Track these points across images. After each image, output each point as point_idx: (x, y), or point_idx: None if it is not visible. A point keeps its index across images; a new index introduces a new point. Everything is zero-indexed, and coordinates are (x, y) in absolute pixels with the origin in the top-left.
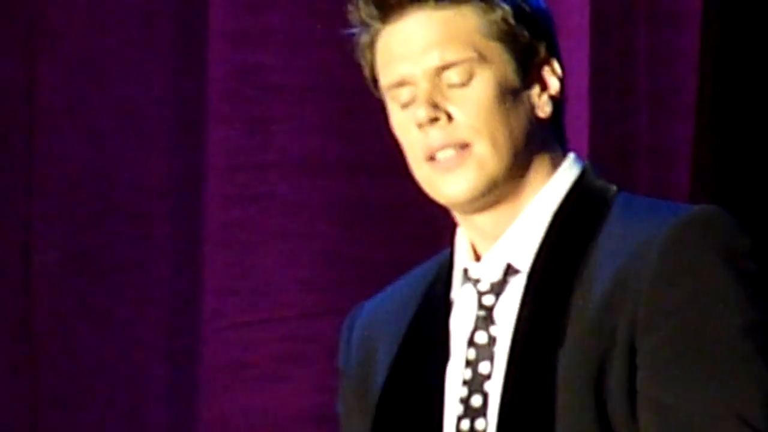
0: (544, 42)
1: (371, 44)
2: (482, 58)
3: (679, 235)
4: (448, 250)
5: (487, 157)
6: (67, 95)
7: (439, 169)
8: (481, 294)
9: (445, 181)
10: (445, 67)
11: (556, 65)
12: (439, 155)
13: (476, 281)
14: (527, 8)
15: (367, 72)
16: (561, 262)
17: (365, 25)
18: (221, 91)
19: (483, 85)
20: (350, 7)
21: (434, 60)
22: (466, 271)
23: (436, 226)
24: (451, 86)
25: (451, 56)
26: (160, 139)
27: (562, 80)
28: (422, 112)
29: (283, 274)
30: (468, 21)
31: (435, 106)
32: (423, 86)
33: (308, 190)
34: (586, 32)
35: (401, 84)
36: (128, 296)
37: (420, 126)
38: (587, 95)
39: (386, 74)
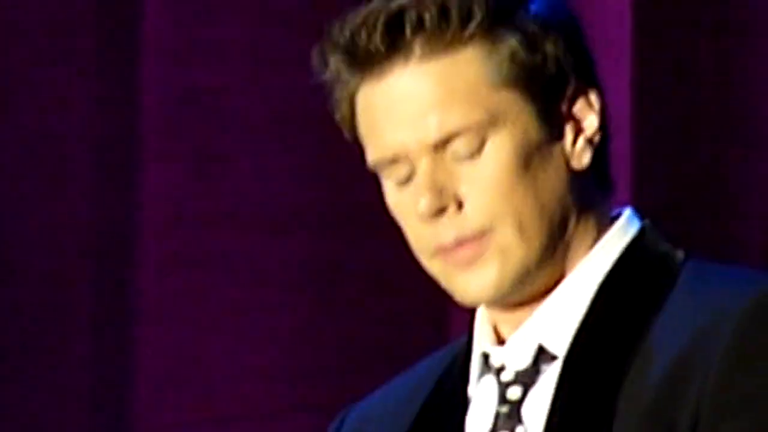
0: (574, 66)
1: (348, 99)
2: (494, 117)
3: (762, 309)
4: (467, 336)
5: (512, 245)
6: None
7: (454, 264)
8: (504, 385)
9: (463, 280)
10: (447, 139)
11: (593, 95)
12: (452, 250)
13: (499, 370)
14: (543, 25)
15: (345, 129)
16: (607, 344)
17: (337, 75)
18: (158, 122)
19: (498, 153)
20: (314, 51)
21: (432, 131)
22: (487, 357)
23: (440, 299)
24: (458, 159)
25: (453, 124)
26: (79, 184)
27: (602, 113)
28: (425, 204)
29: (239, 360)
30: (469, 70)
31: (440, 191)
32: (422, 165)
33: (271, 251)
34: (627, 44)
35: (393, 161)
36: (39, 386)
37: (424, 219)
38: (629, 127)
39: (372, 147)
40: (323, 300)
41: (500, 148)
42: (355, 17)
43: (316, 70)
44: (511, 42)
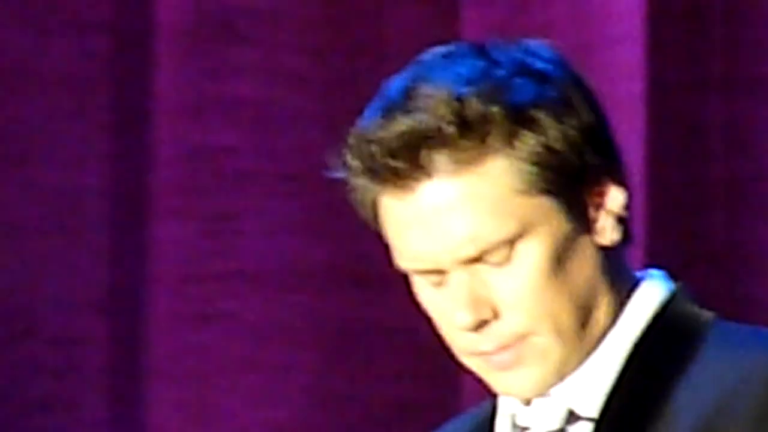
0: (595, 146)
1: (371, 204)
2: (525, 226)
3: None
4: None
5: (550, 348)
6: None
7: (493, 365)
8: None
9: (503, 379)
10: (480, 255)
11: (615, 170)
12: (492, 354)
13: (524, 429)
14: (560, 112)
15: (370, 225)
16: (637, 406)
17: (359, 185)
18: (171, 180)
19: (531, 258)
20: (335, 157)
21: (465, 248)
22: (513, 418)
23: (451, 356)
24: (491, 266)
25: (486, 240)
26: (93, 241)
27: (625, 184)
28: (464, 319)
29: (252, 418)
30: (496, 182)
31: (477, 303)
32: (456, 278)
33: (285, 308)
34: (641, 102)
35: (426, 273)
36: None
37: (462, 331)
38: (643, 183)
39: (401, 256)
40: (333, 357)
41: (533, 253)
42: (375, 130)
43: (336, 168)
44: (532, 144)
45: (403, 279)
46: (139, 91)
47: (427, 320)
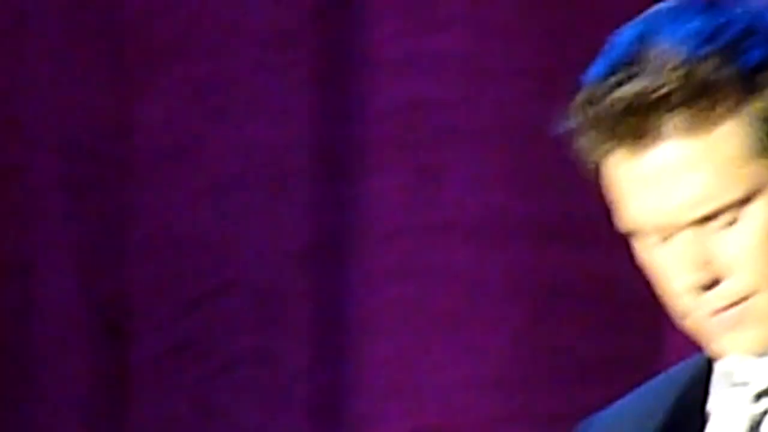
0: None
1: (599, 163)
2: (755, 189)
3: None
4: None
5: None
6: (172, 136)
7: (718, 326)
8: (748, 401)
9: (722, 341)
10: (710, 217)
11: None
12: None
13: (742, 385)
14: None
15: (594, 182)
16: None
17: (587, 139)
18: (378, 133)
19: (761, 218)
20: (554, 111)
21: (700, 210)
22: (731, 375)
23: (657, 309)
24: (718, 227)
25: (718, 202)
26: (296, 194)
27: None
28: (689, 279)
29: (456, 370)
30: (728, 146)
31: (704, 264)
32: (683, 239)
33: (490, 262)
34: None
35: (655, 232)
36: (254, 397)
37: (689, 292)
38: None
39: (627, 217)
40: (539, 311)
41: (762, 213)
42: (609, 88)
43: (555, 122)
44: (765, 106)
45: (611, 233)
46: (346, 46)
47: (644, 279)
